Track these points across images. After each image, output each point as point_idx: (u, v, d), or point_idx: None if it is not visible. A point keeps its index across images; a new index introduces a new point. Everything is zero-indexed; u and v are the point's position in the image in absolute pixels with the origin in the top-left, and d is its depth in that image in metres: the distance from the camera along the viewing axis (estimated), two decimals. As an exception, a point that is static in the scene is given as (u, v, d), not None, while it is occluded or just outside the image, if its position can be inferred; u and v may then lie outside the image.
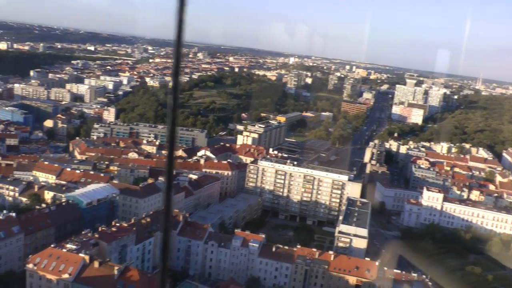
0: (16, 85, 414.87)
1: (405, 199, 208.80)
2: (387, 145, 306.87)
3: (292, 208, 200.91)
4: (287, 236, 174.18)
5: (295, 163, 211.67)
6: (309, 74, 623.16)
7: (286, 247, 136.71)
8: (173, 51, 8.37)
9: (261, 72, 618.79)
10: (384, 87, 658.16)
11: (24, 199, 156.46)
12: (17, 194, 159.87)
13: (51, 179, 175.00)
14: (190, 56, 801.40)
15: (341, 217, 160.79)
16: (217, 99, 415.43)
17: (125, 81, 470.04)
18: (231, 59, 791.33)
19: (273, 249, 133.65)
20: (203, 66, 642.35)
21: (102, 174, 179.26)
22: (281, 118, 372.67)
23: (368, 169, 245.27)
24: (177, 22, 8.07)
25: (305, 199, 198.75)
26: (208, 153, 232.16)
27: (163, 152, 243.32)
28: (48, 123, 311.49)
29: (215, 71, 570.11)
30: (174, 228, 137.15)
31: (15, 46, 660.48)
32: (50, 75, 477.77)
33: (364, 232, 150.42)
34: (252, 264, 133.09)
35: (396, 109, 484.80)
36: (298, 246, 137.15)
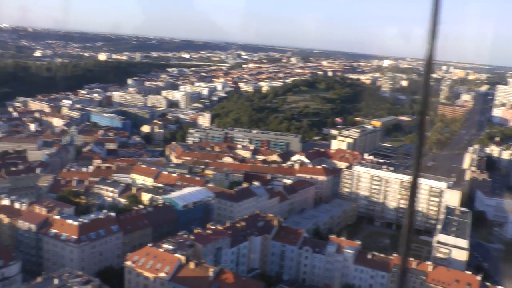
0: (115, 93, 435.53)
1: (508, 209, 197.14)
2: (487, 150, 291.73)
3: (388, 215, 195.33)
4: (382, 244, 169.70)
5: (391, 168, 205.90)
6: (404, 76, 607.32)
7: (382, 255, 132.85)
8: (424, 68, 9.46)
9: (355, 76, 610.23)
10: (484, 88, 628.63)
11: (122, 200, 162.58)
12: (116, 195, 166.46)
13: (149, 181, 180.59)
14: (284, 61, 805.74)
15: (439, 226, 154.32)
16: (311, 104, 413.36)
17: (219, 87, 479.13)
18: (324, 63, 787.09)
19: (369, 256, 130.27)
20: (296, 70, 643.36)
21: (197, 178, 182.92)
22: (376, 123, 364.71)
23: (467, 176, 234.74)
24: (428, 44, 8.98)
25: (401, 206, 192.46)
26: (303, 158, 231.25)
27: (257, 156, 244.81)
28: (145, 128, 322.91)
29: (309, 75, 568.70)
30: (268, 232, 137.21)
31: (113, 56, 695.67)
32: (147, 83, 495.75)
33: (464, 243, 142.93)
34: (347, 271, 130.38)
35: (497, 112, 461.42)
36: (395, 255, 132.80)
